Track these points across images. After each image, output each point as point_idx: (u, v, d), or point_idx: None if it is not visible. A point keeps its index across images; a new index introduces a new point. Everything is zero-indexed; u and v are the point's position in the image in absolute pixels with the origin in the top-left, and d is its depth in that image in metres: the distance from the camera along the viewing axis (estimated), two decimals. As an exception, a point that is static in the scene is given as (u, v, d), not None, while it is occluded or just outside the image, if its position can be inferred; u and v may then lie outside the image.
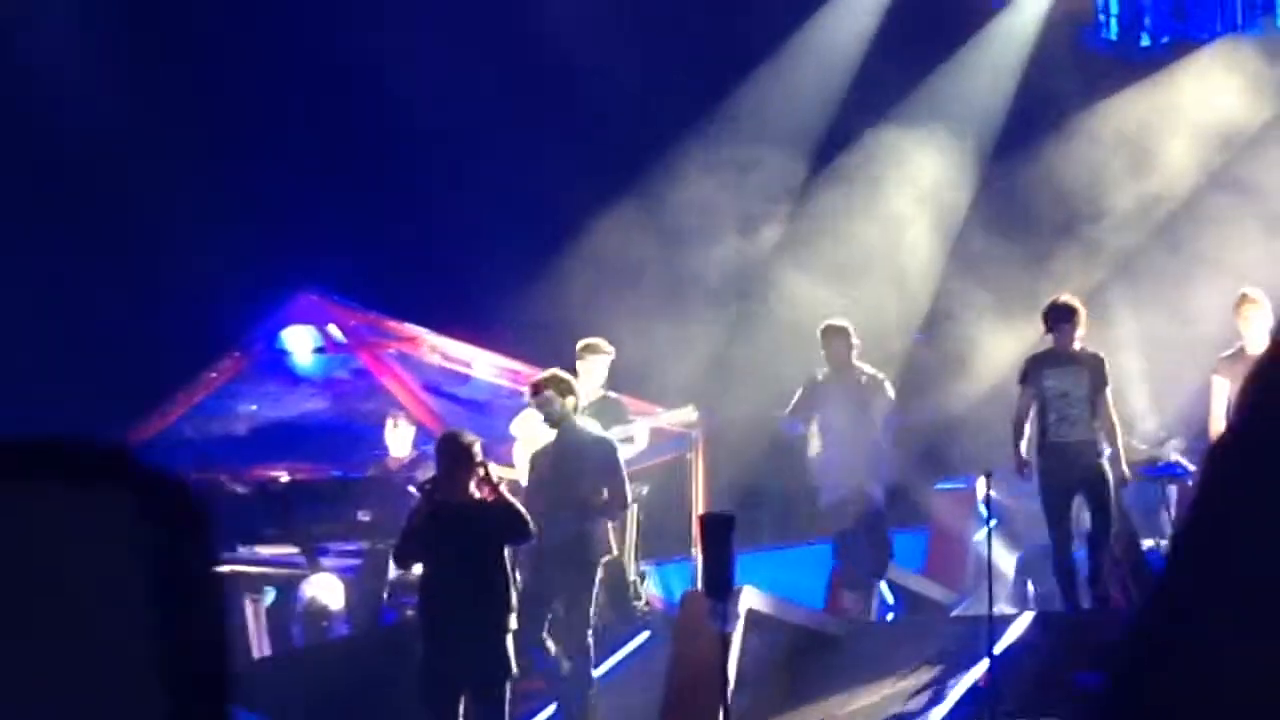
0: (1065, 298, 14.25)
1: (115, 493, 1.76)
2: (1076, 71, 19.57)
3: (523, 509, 11.59)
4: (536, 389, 13.34)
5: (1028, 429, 13.95)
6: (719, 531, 10.76)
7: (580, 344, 15.14)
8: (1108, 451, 13.84)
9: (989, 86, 19.81)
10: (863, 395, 15.05)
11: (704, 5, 19.41)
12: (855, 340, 15.16)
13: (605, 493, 13.14)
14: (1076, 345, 13.96)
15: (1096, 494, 13.76)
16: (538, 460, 13.49)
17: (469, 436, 11.80)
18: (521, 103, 18.77)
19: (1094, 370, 13.94)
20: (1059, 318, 13.97)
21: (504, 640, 11.36)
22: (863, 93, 19.57)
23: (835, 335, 15.16)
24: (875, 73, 19.51)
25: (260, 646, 15.25)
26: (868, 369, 15.27)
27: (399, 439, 15.91)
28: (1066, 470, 13.77)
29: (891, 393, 15.22)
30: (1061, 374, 13.88)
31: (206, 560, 1.77)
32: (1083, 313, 14.03)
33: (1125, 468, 13.97)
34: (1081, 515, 14.00)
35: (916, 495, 17.71)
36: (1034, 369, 14.01)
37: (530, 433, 14.73)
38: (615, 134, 18.69)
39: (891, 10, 19.72)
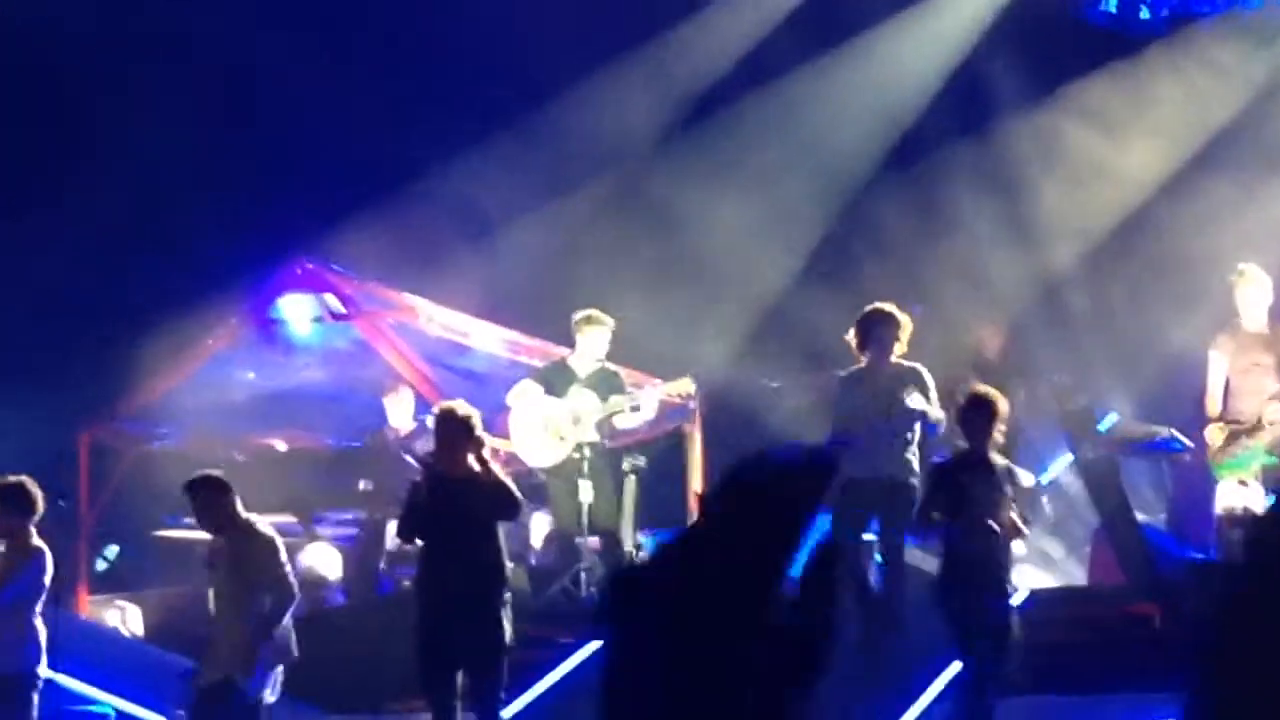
0: (881, 306, 12.74)
1: None
2: (1072, 43, 19.34)
3: (513, 485, 11.53)
4: None
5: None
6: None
7: (577, 315, 15.03)
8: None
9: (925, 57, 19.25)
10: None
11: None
12: None
13: None
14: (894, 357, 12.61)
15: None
16: None
17: (467, 409, 11.59)
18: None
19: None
20: (871, 329, 12.64)
21: (500, 613, 11.34)
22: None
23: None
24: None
25: (256, 615, 15.22)
26: None
27: (400, 409, 15.88)
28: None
29: None
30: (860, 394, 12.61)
31: None
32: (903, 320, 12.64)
33: None
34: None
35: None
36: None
37: (527, 402, 14.71)
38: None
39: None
